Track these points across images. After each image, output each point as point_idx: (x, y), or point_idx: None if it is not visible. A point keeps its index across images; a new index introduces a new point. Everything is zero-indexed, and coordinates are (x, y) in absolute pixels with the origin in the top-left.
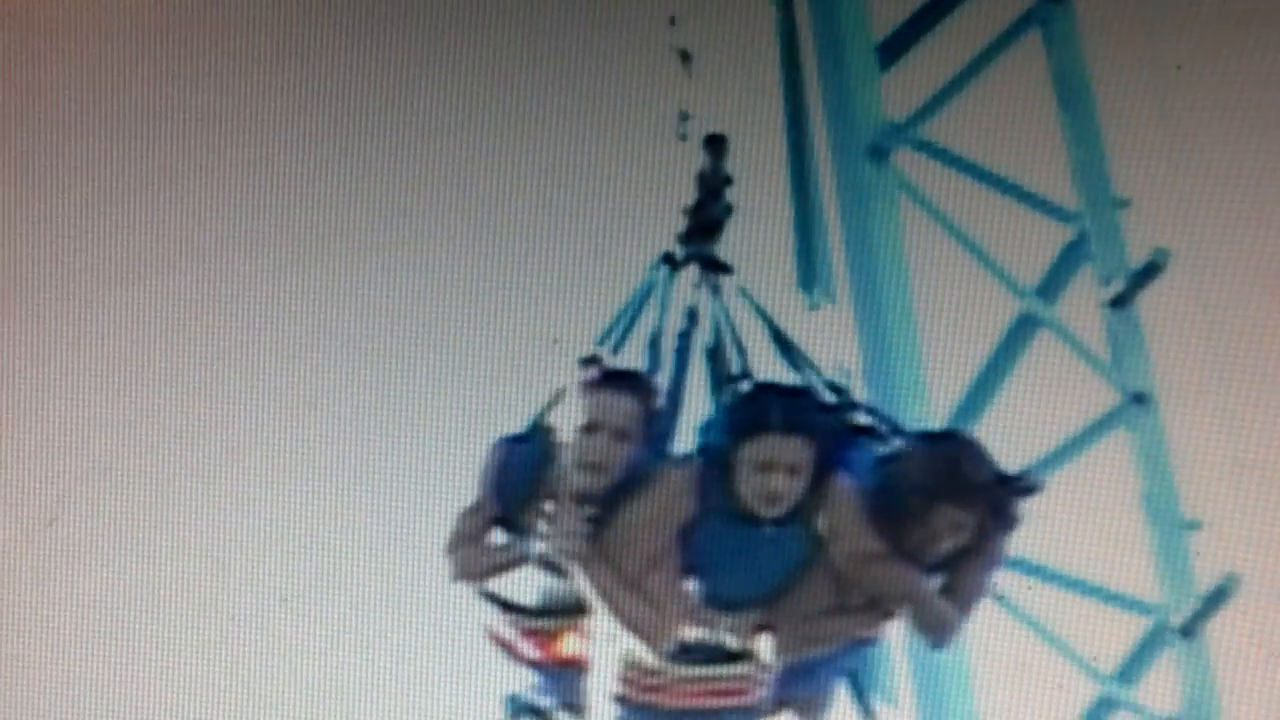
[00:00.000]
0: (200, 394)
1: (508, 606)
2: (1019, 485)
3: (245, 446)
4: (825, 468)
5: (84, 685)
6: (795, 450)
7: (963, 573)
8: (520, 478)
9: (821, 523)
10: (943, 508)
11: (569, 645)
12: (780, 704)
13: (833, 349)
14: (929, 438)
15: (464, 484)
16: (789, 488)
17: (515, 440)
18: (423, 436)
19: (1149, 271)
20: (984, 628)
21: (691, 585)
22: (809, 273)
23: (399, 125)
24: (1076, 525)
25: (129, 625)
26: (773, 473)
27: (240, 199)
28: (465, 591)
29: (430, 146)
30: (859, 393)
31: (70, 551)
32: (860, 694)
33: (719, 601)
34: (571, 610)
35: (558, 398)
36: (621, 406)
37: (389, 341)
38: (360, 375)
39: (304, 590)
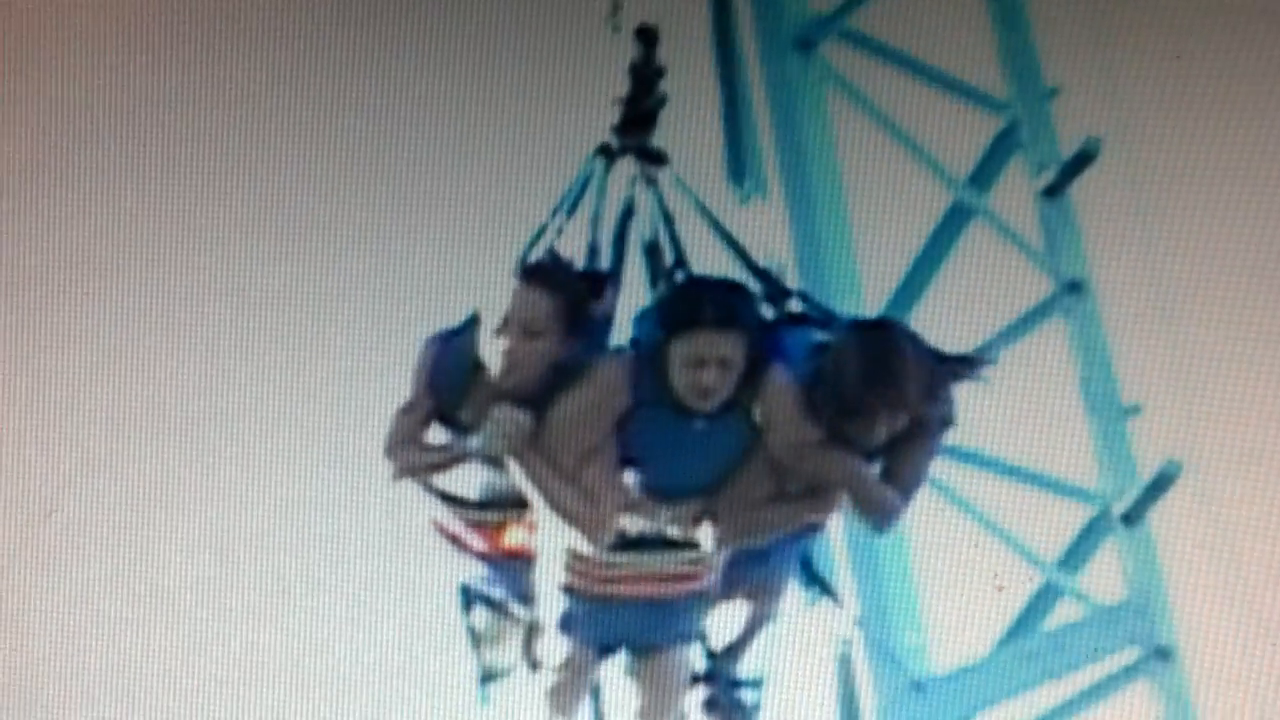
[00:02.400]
0: (198, 385)
1: (451, 500)
2: (962, 365)
3: (243, 437)
4: (759, 360)
5: (85, 674)
6: (727, 344)
7: (901, 458)
8: (453, 374)
9: (757, 413)
10: (877, 394)
11: (513, 537)
12: (730, 591)
13: (765, 242)
14: (863, 325)
15: (399, 384)
16: (721, 381)
17: (447, 337)
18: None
19: (1081, 160)
20: (925, 517)
21: (630, 477)
22: (739, 167)
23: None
24: (1015, 414)
25: (128, 614)
26: (704, 368)
27: (239, 189)
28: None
29: (374, 56)
30: (792, 283)
31: (70, 542)
32: (810, 580)
33: (658, 492)
34: (513, 503)
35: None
36: (534, 301)
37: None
38: (362, 361)
39: (304, 580)
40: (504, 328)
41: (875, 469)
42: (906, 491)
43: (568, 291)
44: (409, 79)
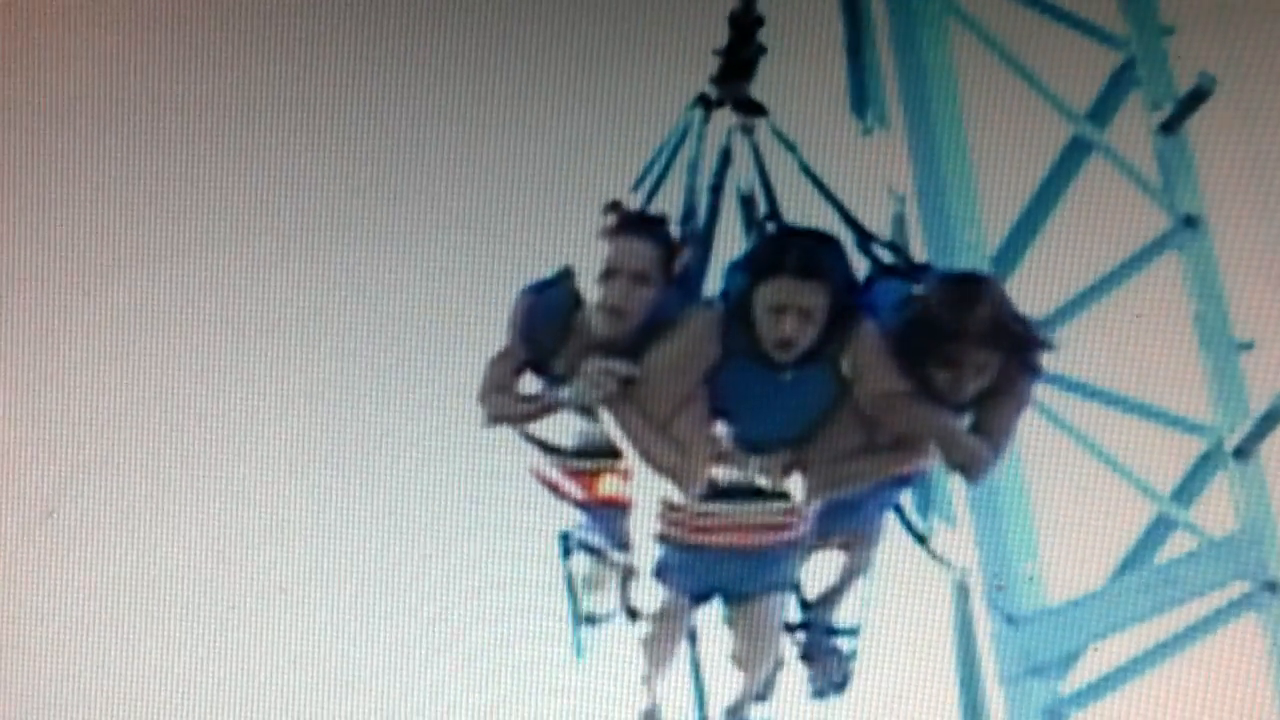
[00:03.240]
0: (197, 385)
1: (547, 448)
2: (1035, 335)
3: (242, 437)
4: (845, 311)
5: (84, 674)
6: (809, 294)
7: (991, 411)
8: (547, 325)
9: (846, 365)
10: (965, 347)
11: (608, 486)
12: (824, 540)
13: (886, 174)
14: (952, 279)
15: (494, 334)
16: (800, 330)
17: (540, 288)
18: (452, 288)
19: (1196, 96)
20: (1042, 450)
21: (720, 427)
22: (861, 98)
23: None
24: (1130, 347)
25: (128, 615)
26: (785, 315)
27: (242, 190)
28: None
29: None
30: (913, 220)
31: (69, 542)
32: (909, 525)
33: (748, 443)
34: (607, 452)
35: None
36: (640, 250)
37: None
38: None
39: (303, 580)
40: (610, 275)
41: (965, 421)
42: (997, 444)
43: (668, 241)
44: (509, 31)
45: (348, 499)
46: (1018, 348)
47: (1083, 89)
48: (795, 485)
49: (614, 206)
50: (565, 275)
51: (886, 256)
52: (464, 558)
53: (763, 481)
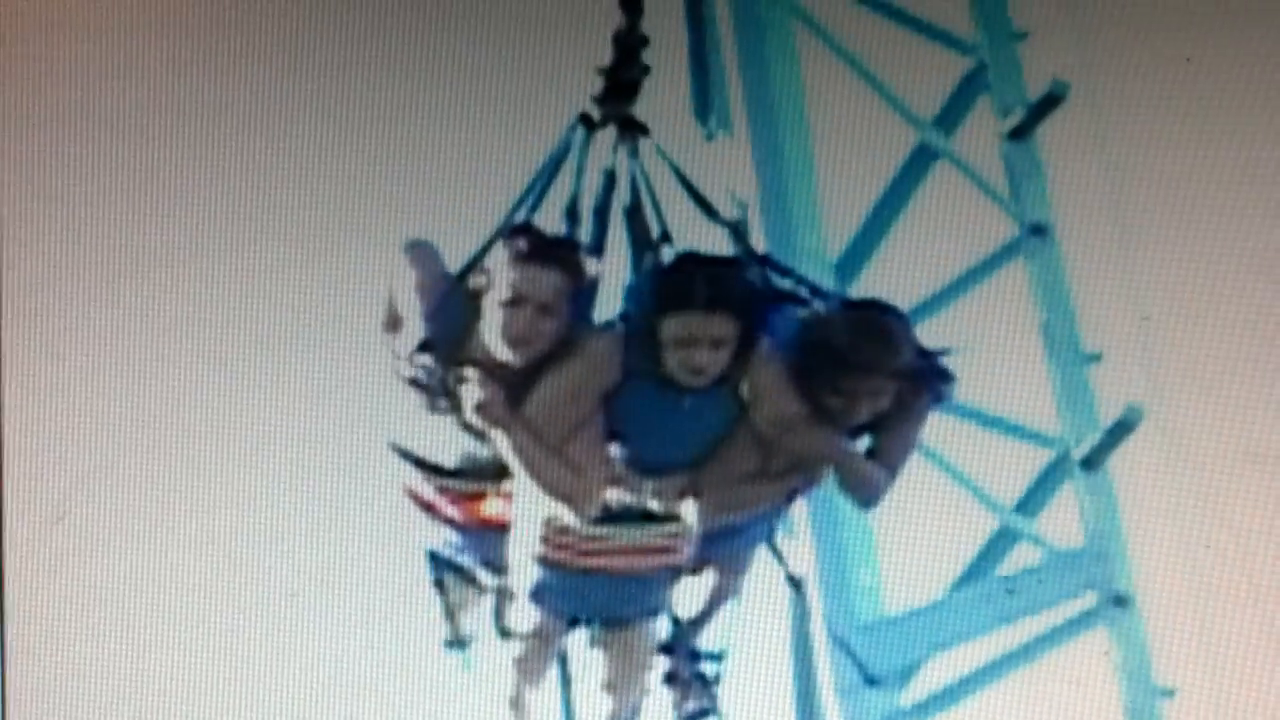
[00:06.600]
0: (208, 389)
1: (425, 466)
2: (935, 364)
3: (254, 442)
4: (749, 337)
5: (94, 679)
6: (719, 325)
7: (887, 436)
8: (445, 330)
9: (744, 388)
10: (860, 374)
11: (490, 507)
12: (701, 564)
13: (730, 181)
14: (851, 305)
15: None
16: (713, 360)
17: (448, 276)
18: None
19: (1048, 103)
20: None
21: (615, 450)
22: (704, 103)
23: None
24: (976, 357)
25: (138, 620)
26: (697, 348)
27: (252, 192)
28: (386, 453)
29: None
30: (755, 224)
31: (79, 547)
32: (774, 545)
33: (643, 466)
34: (493, 474)
35: (482, 253)
36: (549, 281)
37: None
38: (370, 364)
39: (313, 585)
40: (515, 304)
41: (861, 446)
42: (892, 468)
43: (578, 270)
44: (391, 53)
45: (359, 504)
46: (914, 378)
47: (930, 95)
48: (688, 510)
49: (524, 230)
50: (463, 290)
51: (784, 281)
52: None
53: (655, 505)
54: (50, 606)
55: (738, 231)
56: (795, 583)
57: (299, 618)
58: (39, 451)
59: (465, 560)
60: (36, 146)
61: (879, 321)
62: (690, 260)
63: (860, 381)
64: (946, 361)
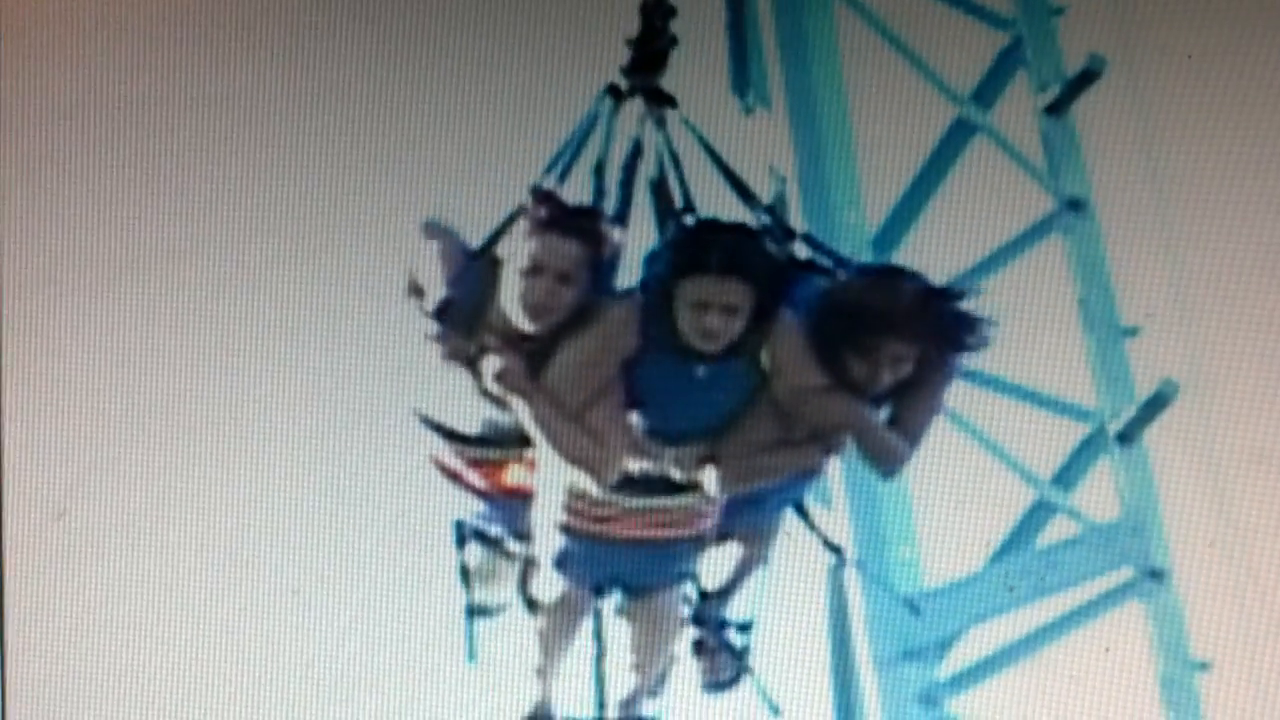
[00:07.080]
0: (210, 385)
1: (450, 435)
2: (956, 310)
3: (255, 438)
4: (766, 305)
5: (95, 677)
6: (732, 291)
7: (907, 405)
8: (466, 298)
9: (764, 357)
10: (881, 340)
11: (514, 476)
12: (726, 534)
13: (767, 156)
14: (869, 271)
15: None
16: (725, 326)
17: (468, 249)
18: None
19: (1084, 78)
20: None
21: (635, 418)
22: (743, 78)
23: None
24: (1012, 331)
25: (140, 618)
26: (708, 312)
27: (254, 188)
28: (397, 446)
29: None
30: (794, 199)
31: (80, 544)
32: (807, 516)
33: (663, 435)
34: (515, 442)
35: (505, 226)
36: (568, 251)
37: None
38: (379, 359)
39: (316, 581)
40: (534, 273)
41: (882, 415)
42: (913, 438)
43: (598, 239)
44: (414, 26)
45: (360, 500)
46: (938, 341)
47: (968, 70)
48: (709, 478)
49: (545, 198)
50: (486, 257)
51: (802, 249)
52: (380, 604)
53: (676, 473)
54: (50, 604)
55: (770, 208)
56: (835, 548)
57: (302, 616)
58: (39, 448)
59: (492, 529)
60: (36, 143)
61: (896, 281)
62: (709, 226)
63: (881, 345)
64: (968, 305)
